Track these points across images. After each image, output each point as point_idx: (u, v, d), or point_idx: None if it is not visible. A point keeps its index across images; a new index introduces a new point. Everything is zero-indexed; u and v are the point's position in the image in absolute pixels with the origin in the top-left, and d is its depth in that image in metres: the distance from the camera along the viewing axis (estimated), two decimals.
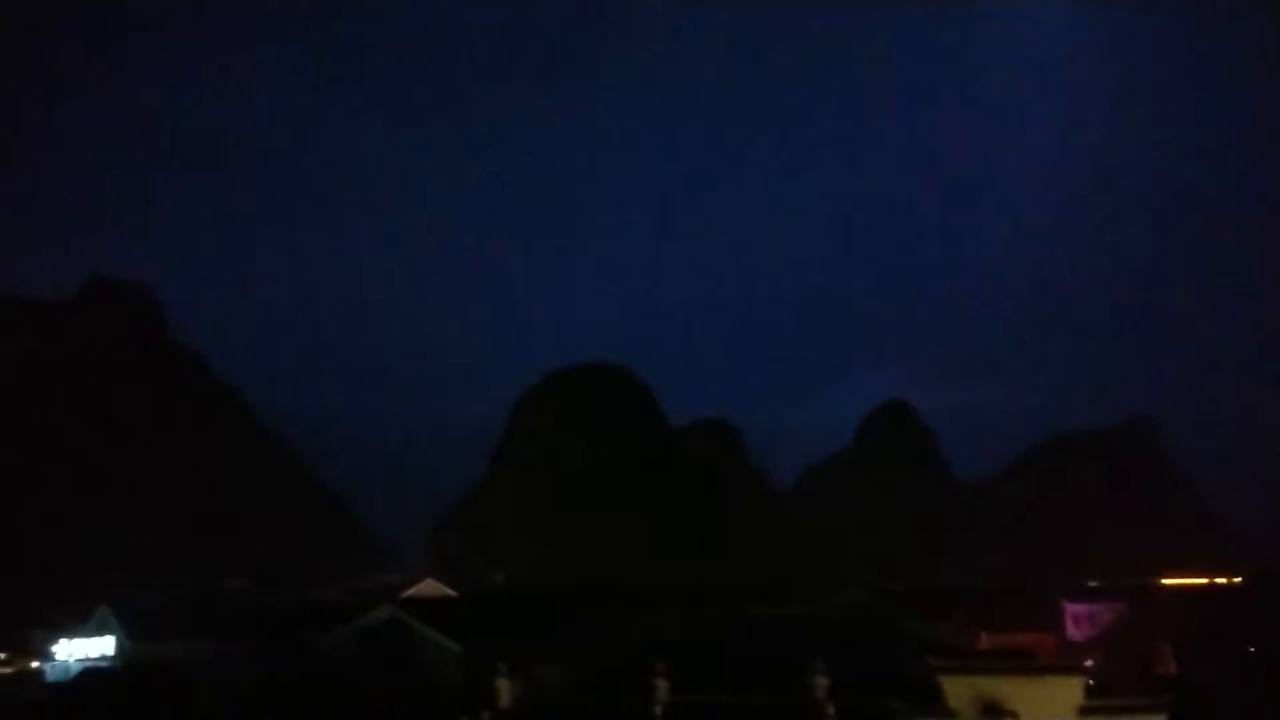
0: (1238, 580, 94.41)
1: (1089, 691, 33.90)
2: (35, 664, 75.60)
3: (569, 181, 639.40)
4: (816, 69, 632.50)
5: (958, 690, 32.73)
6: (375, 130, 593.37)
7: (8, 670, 79.32)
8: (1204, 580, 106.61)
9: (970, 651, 55.30)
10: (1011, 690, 32.45)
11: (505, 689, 36.83)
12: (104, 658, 67.40)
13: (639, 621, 60.93)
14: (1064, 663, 41.88)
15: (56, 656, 69.95)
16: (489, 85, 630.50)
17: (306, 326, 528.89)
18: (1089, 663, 46.12)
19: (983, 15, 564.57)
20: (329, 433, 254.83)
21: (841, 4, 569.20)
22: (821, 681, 33.80)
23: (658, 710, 33.93)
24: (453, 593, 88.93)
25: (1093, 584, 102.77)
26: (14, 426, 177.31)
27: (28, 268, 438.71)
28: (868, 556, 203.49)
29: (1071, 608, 76.46)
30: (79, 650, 68.99)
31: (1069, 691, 32.85)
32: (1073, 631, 74.08)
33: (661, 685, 34.45)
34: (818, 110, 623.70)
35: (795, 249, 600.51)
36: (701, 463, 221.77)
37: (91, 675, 59.84)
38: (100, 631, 70.08)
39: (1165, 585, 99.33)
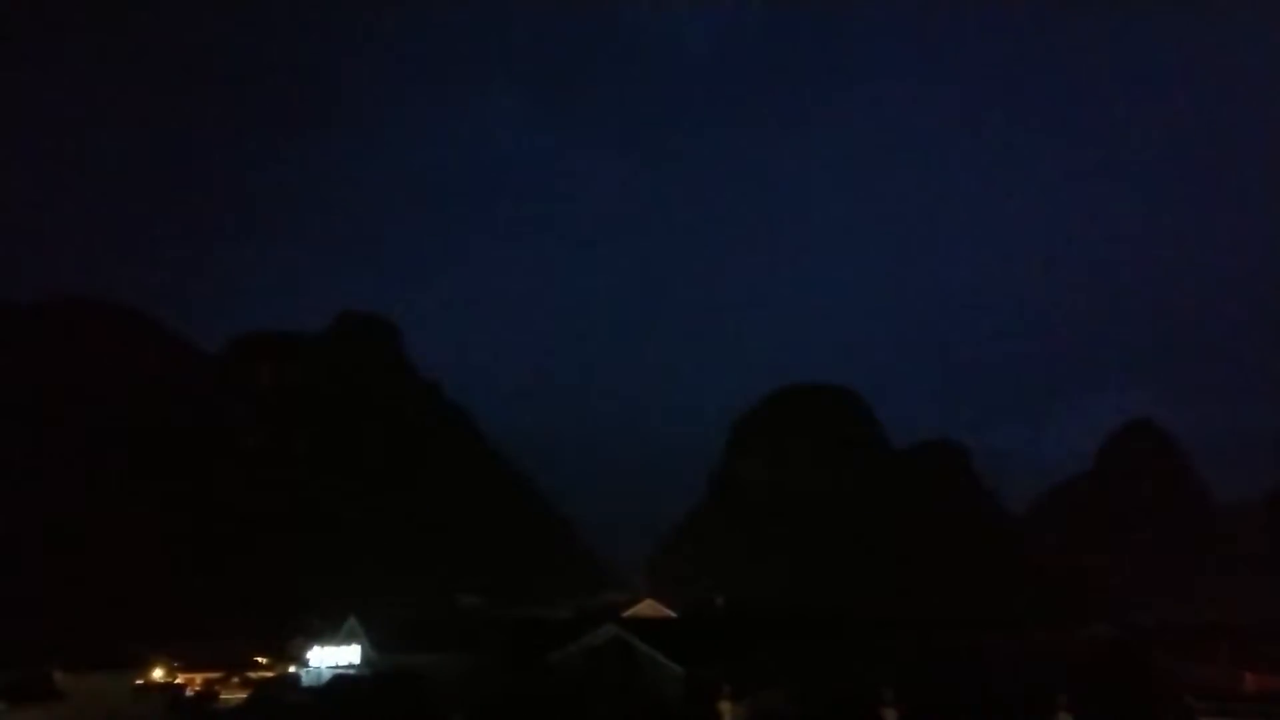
0: None
1: None
2: (293, 668, 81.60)
3: (793, 205, 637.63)
4: (1032, 77, 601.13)
5: None
6: (602, 167, 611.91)
7: (270, 673, 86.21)
8: None
9: (1235, 694, 50.35)
10: None
11: (728, 711, 36.54)
12: (351, 665, 71.93)
13: (866, 648, 59.13)
14: None
15: (311, 662, 75.11)
16: (718, 116, 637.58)
17: (531, 351, 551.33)
18: None
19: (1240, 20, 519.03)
20: (554, 454, 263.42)
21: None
22: (1065, 718, 31.63)
23: None
24: (672, 614, 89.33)
25: None
26: (282, 450, 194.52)
27: (289, 303, 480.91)
28: (1113, 587, 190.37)
29: None
30: (330, 657, 73.86)
31: None
32: None
33: (890, 715, 33.21)
34: (1050, 117, 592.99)
35: (1034, 260, 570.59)
36: (928, 485, 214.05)
37: (341, 680, 64.16)
38: (349, 640, 74.83)
39: None
